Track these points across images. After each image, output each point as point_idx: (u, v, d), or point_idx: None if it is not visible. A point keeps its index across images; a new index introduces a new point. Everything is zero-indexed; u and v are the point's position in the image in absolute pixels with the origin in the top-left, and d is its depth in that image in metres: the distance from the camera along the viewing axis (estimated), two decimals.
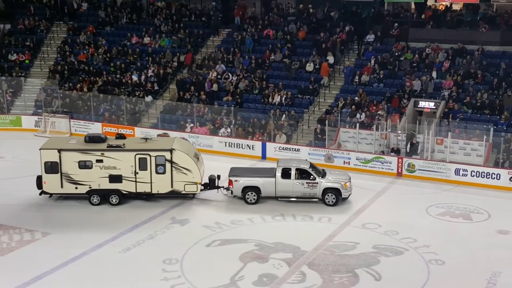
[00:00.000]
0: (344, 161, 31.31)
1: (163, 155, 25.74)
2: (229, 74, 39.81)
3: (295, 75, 38.65)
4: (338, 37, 39.97)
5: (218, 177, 26.92)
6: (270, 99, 37.22)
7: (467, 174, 29.48)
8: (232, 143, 34.31)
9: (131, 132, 36.63)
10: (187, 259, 21.16)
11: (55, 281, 19.70)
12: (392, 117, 33.38)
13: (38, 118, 39.45)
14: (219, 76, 39.97)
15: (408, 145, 31.92)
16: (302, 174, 25.95)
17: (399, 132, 32.49)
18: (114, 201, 26.07)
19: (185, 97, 38.71)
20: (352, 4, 43.02)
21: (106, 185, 25.83)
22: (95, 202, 26.05)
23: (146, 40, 44.64)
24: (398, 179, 30.22)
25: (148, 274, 20.05)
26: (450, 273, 20.27)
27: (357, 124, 32.79)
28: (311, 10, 43.48)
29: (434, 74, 35.90)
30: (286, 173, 25.93)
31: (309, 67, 38.87)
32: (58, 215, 25.33)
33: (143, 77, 41.24)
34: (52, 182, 25.88)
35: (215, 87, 38.97)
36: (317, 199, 26.07)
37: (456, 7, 42.71)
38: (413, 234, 23.22)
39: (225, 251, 21.84)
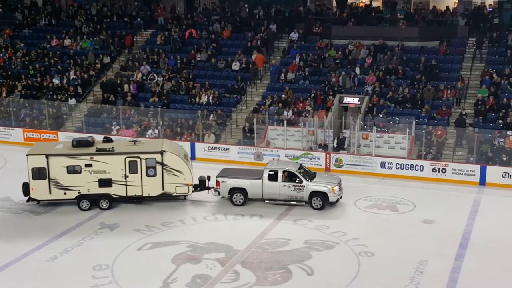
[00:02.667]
0: (273, 159, 31.52)
1: (154, 157, 25.36)
2: (155, 75, 39.48)
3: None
4: (263, 35, 40.29)
5: (208, 178, 26.59)
6: (197, 99, 37.13)
7: (392, 167, 30.33)
8: None
9: (54, 137, 35.80)
10: (118, 264, 20.85)
11: None
12: (318, 113, 33.93)
13: None
14: (144, 77, 39.58)
15: (335, 141, 32.54)
16: (290, 176, 25.52)
17: (326, 128, 33.08)
18: (104, 205, 25.56)
19: (110, 99, 38.12)
20: (276, 3, 43.42)
21: (96, 189, 25.34)
22: (85, 207, 25.50)
23: (67, 42, 43.74)
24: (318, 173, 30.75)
25: (78, 281, 19.64)
26: (379, 264, 20.80)
27: (285, 122, 33.16)
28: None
29: (357, 70, 36.71)
30: (273, 175, 25.58)
31: (235, 66, 39.01)
32: None
33: (65, 80, 40.35)
34: (40, 188, 25.25)
35: (139, 88, 38.60)
36: (304, 203, 25.68)
37: (375, 4, 43.90)
38: (343, 228, 23.71)
39: (157, 254, 21.65)
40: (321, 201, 25.41)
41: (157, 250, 22.01)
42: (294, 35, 40.54)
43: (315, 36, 40.33)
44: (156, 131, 34.85)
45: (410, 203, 26.60)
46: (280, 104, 35.18)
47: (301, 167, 26.34)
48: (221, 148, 33.11)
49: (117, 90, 38.60)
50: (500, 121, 31.57)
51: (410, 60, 37.02)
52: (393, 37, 38.61)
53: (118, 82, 39.18)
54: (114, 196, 25.62)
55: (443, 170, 29.49)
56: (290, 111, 34.59)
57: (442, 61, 36.59)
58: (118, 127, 35.77)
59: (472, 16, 39.26)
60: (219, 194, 26.32)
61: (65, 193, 25.43)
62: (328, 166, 31.21)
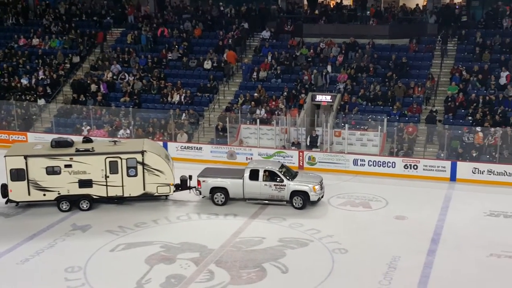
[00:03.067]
0: (246, 157, 31.58)
1: (135, 157, 25.10)
2: (125, 74, 39.19)
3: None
4: (235, 34, 40.27)
5: (190, 177, 26.42)
6: (169, 98, 36.97)
7: (364, 164, 30.54)
8: None
9: (23, 138, 35.38)
10: (91, 265, 20.61)
11: None
12: (291, 111, 34.01)
13: None
14: (114, 77, 39.26)
15: (308, 139, 32.66)
16: (271, 176, 25.29)
17: (299, 126, 33.18)
18: (84, 206, 25.32)
19: (80, 99, 37.74)
20: (247, 1, 43.41)
21: (76, 190, 25.08)
22: (65, 208, 25.22)
23: (35, 41, 43.26)
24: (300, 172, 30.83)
25: (50, 284, 19.39)
26: (353, 261, 20.90)
27: (258, 120, 33.18)
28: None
29: (329, 68, 36.88)
30: (254, 175, 25.33)
31: (207, 64, 38.92)
32: None
33: (33, 80, 39.84)
34: (18, 190, 24.94)
35: (110, 88, 38.31)
36: (286, 202, 25.47)
37: (346, 2, 44.15)
38: (316, 225, 23.78)
39: (130, 255, 21.47)
40: (302, 201, 25.21)
41: (130, 251, 21.82)
42: (265, 34, 40.61)
43: (287, 35, 40.43)
44: (128, 131, 34.61)
45: (382, 199, 26.81)
46: (253, 102, 35.19)
47: (282, 166, 26.22)
48: (194, 147, 33.02)
49: (87, 90, 38.23)
50: (470, 117, 31.99)
51: (381, 58, 37.32)
52: (363, 35, 38.89)
53: (88, 82, 38.82)
54: (95, 196, 25.40)
55: (415, 167, 29.79)
56: (263, 110, 34.63)
57: (412, 58, 36.97)
58: (89, 128, 35.43)
59: (441, 13, 39.68)
60: (200, 194, 26.17)
61: (44, 194, 25.16)
62: (301, 164, 31.32)
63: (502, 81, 33.81)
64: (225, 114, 34.70)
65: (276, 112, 34.23)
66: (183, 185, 26.45)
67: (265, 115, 34.34)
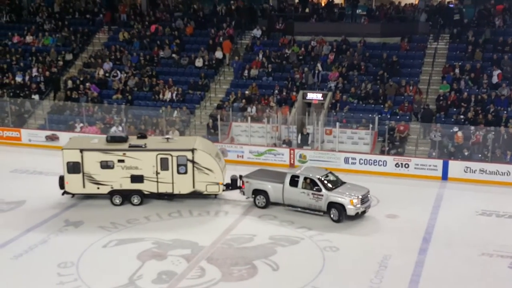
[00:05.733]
0: (237, 155, 31.48)
1: (185, 155, 24.98)
2: (118, 71, 39.00)
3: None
4: (225, 32, 40.15)
5: (240, 177, 26.09)
6: (161, 96, 36.82)
7: (355, 162, 30.48)
8: None
9: (17, 134, 35.20)
10: (83, 261, 20.54)
11: None
12: (282, 109, 33.92)
13: None
14: (107, 74, 39.07)
15: (299, 137, 32.58)
16: (311, 184, 23.90)
17: (290, 124, 33.10)
18: (136, 201, 25.46)
19: (73, 96, 37.55)
20: None
21: (128, 185, 25.22)
22: (117, 202, 25.45)
23: (29, 39, 43.05)
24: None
25: (43, 279, 19.29)
26: (344, 259, 20.86)
27: (249, 118, 33.07)
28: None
29: (319, 66, 36.77)
30: (294, 181, 24.24)
31: (199, 62, 38.79)
32: None
33: (27, 77, 39.62)
34: (74, 182, 25.30)
35: (102, 86, 38.14)
36: (323, 213, 23.94)
37: (337, 0, 44.07)
38: (307, 224, 23.69)
39: (122, 251, 21.38)
40: (338, 213, 23.49)
41: (122, 247, 21.75)
42: (257, 32, 40.48)
43: (278, 33, 40.32)
44: (120, 128, 34.44)
45: (374, 198, 26.68)
46: (244, 100, 35.08)
47: (328, 175, 24.65)
48: None
49: (78, 88, 38.05)
50: (462, 116, 31.96)
51: (373, 56, 37.26)
52: (355, 33, 38.82)
53: (81, 79, 38.67)
54: (146, 192, 25.46)
55: (406, 165, 29.75)
56: (254, 108, 34.51)
57: (403, 57, 36.93)
58: (81, 124, 35.30)
59: (433, 12, 39.64)
60: (244, 194, 25.76)
61: (98, 188, 25.39)
62: (292, 162, 31.23)
63: (494, 79, 33.78)
64: (216, 111, 34.59)
65: (267, 110, 34.12)
66: (233, 184, 26.15)
67: (256, 113, 34.22)
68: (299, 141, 32.55)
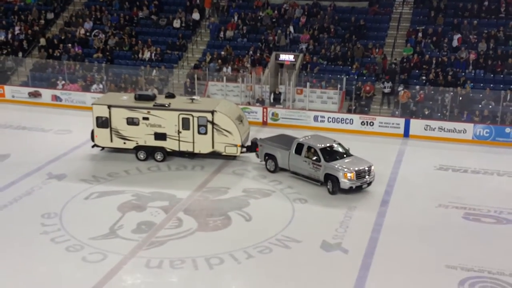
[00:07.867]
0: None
1: (205, 116, 24.72)
2: (99, 31, 38.38)
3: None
4: None
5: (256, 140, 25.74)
6: (140, 55, 36.42)
7: (324, 120, 30.71)
8: None
9: (1, 91, 34.70)
10: (66, 212, 20.62)
11: None
12: (256, 69, 33.85)
13: None
14: (88, 33, 38.46)
15: (272, 96, 32.63)
16: (313, 153, 23.00)
17: (263, 84, 33.10)
18: (159, 158, 25.50)
19: (55, 54, 36.97)
20: None
21: (152, 142, 25.26)
22: (142, 157, 25.59)
23: None
24: (264, 127, 30.88)
25: (27, 229, 19.35)
26: (312, 210, 21.25)
27: (224, 77, 32.96)
28: None
29: (291, 28, 36.62)
30: (299, 149, 23.47)
31: (176, 23, 38.33)
32: None
33: (9, 35, 38.82)
34: (102, 136, 25.53)
35: (83, 44, 37.55)
36: (320, 183, 22.95)
37: None
38: (278, 178, 23.98)
39: (104, 203, 21.49)
40: (332, 186, 22.38)
41: (104, 199, 21.84)
42: None
43: None
44: (101, 86, 34.13)
45: None
46: (220, 60, 34.89)
47: (333, 146, 23.51)
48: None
49: (58, 46, 37.44)
50: (424, 77, 32.26)
51: (342, 20, 37.15)
52: None
53: (63, 38, 38.03)
54: (168, 150, 25.40)
55: (371, 123, 30.08)
56: (229, 68, 34.37)
57: (371, 21, 36.86)
58: (63, 82, 34.87)
59: None
60: (258, 157, 25.54)
61: (124, 143, 25.51)
62: (265, 120, 31.35)
63: (454, 43, 34.03)
64: (193, 71, 34.39)
65: (241, 70, 34.02)
66: (253, 147, 25.72)
67: (232, 72, 34.11)
68: (271, 100, 32.62)
